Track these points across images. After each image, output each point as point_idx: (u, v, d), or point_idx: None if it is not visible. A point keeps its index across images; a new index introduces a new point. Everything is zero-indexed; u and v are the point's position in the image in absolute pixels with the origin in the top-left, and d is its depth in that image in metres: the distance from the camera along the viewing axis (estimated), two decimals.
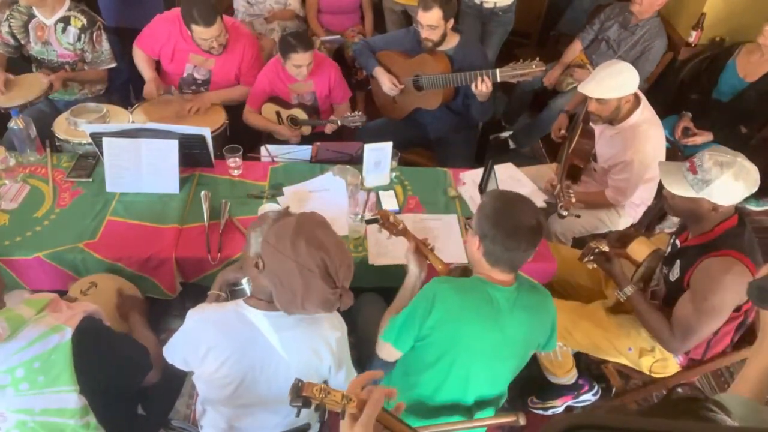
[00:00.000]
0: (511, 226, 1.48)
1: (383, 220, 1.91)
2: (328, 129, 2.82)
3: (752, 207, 3.53)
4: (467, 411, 1.67)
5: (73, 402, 1.36)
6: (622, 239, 2.22)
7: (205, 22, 2.62)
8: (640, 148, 2.32)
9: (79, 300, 1.66)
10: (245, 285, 1.78)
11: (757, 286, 0.96)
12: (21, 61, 2.91)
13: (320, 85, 2.90)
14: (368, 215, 2.14)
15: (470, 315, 1.53)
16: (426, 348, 1.59)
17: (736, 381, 1.05)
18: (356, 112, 2.75)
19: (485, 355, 1.57)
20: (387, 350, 1.65)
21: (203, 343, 1.42)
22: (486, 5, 3.57)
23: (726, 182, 1.67)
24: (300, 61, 2.66)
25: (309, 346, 1.46)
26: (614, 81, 2.27)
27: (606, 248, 1.95)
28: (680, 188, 1.76)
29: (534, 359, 2.28)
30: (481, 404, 1.68)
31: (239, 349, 1.41)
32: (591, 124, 2.53)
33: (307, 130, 2.92)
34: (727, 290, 1.69)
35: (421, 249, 1.84)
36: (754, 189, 1.70)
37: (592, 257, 1.97)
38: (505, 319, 1.54)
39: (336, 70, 2.94)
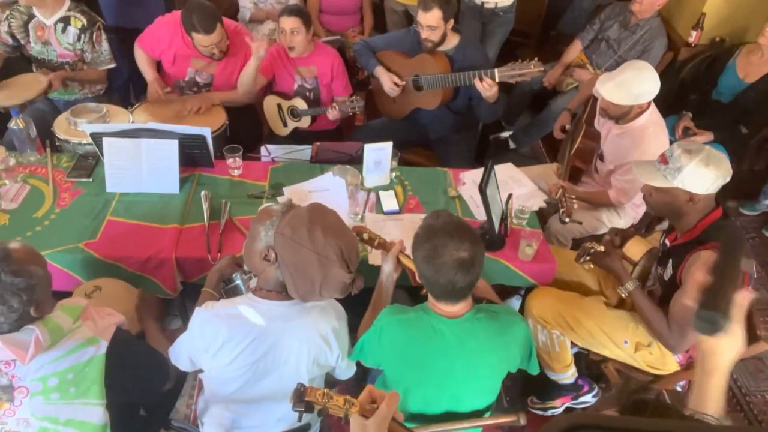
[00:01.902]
0: (438, 266, 1.44)
1: (358, 237, 1.82)
2: (330, 115, 2.83)
3: (746, 212, 3.52)
4: (440, 419, 1.66)
5: (97, 416, 1.37)
6: (620, 235, 2.22)
7: (204, 29, 2.62)
8: (646, 150, 2.31)
9: None
10: (239, 281, 1.78)
11: (701, 317, 0.96)
12: (21, 61, 2.91)
13: (322, 70, 2.93)
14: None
15: (414, 350, 1.54)
16: (385, 371, 1.65)
17: (694, 401, 1.04)
18: (354, 97, 2.77)
19: (437, 384, 1.58)
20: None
21: (217, 340, 1.43)
22: (487, 5, 3.57)
23: (696, 168, 1.73)
24: (283, 24, 2.74)
25: (319, 334, 1.48)
26: (636, 88, 2.25)
27: (601, 248, 1.96)
28: (654, 179, 1.82)
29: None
30: (455, 416, 1.67)
31: (254, 341, 1.43)
32: (598, 116, 2.53)
33: (306, 121, 2.93)
34: None
35: (402, 260, 1.80)
36: (728, 177, 1.75)
37: (588, 257, 1.98)
38: (453, 351, 1.53)
39: (339, 59, 2.97)
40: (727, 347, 1.00)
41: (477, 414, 1.68)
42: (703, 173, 1.73)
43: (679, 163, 1.75)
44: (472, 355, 1.54)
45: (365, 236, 1.85)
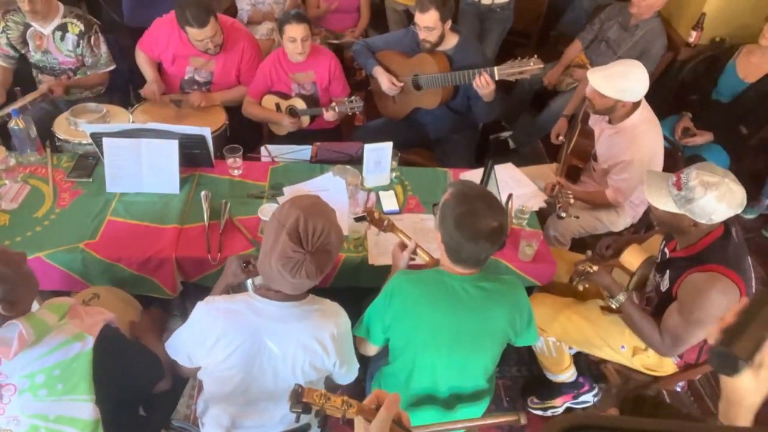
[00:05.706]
0: (472, 231, 1.48)
1: (370, 217, 1.95)
2: (327, 116, 2.82)
3: (746, 215, 3.51)
4: (445, 404, 1.69)
5: (87, 412, 1.36)
6: (613, 246, 2.22)
7: (198, 23, 2.62)
8: (639, 148, 2.32)
9: None
10: (249, 287, 1.78)
11: (716, 353, 0.92)
12: (24, 64, 2.89)
13: (320, 74, 2.92)
14: (356, 214, 2.14)
15: (426, 302, 1.58)
16: (393, 336, 1.66)
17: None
18: (353, 97, 2.76)
19: (446, 344, 1.60)
20: (364, 345, 1.73)
21: (213, 333, 1.43)
22: (483, 2, 3.57)
23: (708, 203, 1.66)
24: (293, 32, 2.69)
25: (316, 338, 1.47)
26: (622, 83, 2.25)
27: (595, 268, 1.95)
28: (662, 202, 1.75)
29: (533, 358, 2.29)
30: (458, 398, 1.69)
31: (248, 339, 1.43)
32: (587, 112, 2.52)
33: (305, 121, 2.93)
34: (713, 305, 1.69)
35: (421, 254, 1.85)
36: (738, 210, 1.68)
37: (583, 278, 1.97)
38: (462, 306, 1.57)
39: (336, 60, 2.96)
40: (749, 393, 0.92)
41: (479, 395, 1.71)
42: (714, 208, 1.66)
43: (692, 194, 1.67)
44: (480, 313, 1.58)
45: (376, 215, 1.92)
